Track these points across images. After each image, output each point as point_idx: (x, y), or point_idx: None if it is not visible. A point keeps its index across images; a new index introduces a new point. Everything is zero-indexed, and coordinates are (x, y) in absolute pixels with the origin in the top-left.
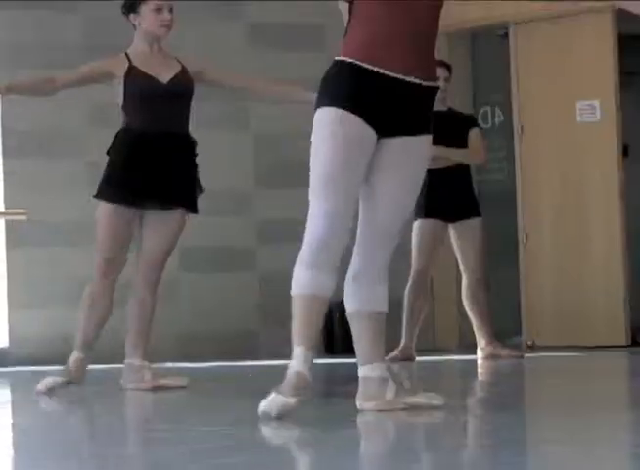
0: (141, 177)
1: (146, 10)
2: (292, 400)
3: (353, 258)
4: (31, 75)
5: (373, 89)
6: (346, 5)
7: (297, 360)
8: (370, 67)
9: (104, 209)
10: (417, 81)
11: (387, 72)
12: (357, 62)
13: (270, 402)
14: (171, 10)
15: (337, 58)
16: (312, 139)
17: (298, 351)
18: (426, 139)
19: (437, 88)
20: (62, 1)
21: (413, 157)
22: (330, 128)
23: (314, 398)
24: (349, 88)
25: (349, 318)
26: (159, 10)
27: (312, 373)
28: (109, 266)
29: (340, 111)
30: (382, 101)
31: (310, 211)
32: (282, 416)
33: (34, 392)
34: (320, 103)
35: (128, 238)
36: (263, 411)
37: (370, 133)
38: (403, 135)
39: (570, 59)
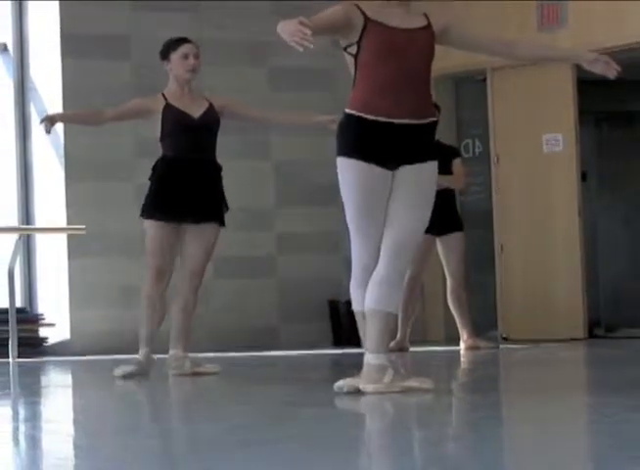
0: (178, 198)
1: (175, 57)
2: (379, 385)
3: (378, 265)
4: (84, 108)
5: (376, 135)
6: (352, 59)
7: (378, 359)
8: (371, 117)
9: (150, 226)
10: (413, 122)
11: (386, 119)
12: (361, 115)
13: (350, 382)
14: (197, 56)
15: (346, 110)
16: (340, 181)
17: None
18: (432, 164)
19: (434, 122)
20: (117, 51)
21: (423, 179)
22: (349, 176)
23: (328, 381)
24: (357, 139)
25: (366, 314)
26: (185, 56)
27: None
28: (160, 274)
29: (358, 163)
30: (385, 143)
31: (353, 243)
32: (348, 393)
33: (112, 376)
34: (339, 152)
35: (173, 249)
36: (343, 388)
37: (382, 171)
38: (413, 163)
39: (537, 99)
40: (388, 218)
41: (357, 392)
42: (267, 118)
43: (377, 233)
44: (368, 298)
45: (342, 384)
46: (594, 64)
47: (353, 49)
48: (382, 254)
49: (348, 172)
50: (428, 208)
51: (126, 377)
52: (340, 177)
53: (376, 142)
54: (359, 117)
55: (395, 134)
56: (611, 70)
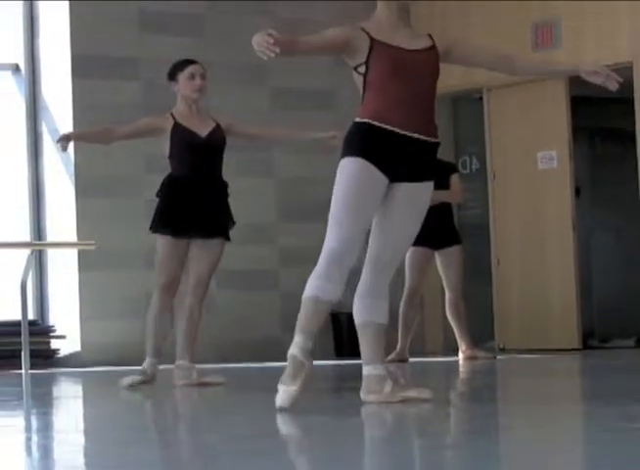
0: (188, 214)
1: (182, 77)
2: (293, 388)
3: (363, 277)
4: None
5: (383, 143)
6: (361, 78)
7: (295, 346)
8: (381, 125)
9: (160, 240)
10: (418, 136)
11: (394, 129)
12: (371, 122)
13: (280, 397)
14: (203, 76)
15: (356, 120)
16: (337, 179)
17: (298, 338)
18: (428, 185)
19: (438, 143)
20: (125, 71)
21: (417, 199)
22: (350, 172)
23: (329, 391)
24: (365, 142)
25: (358, 327)
26: (192, 77)
27: (310, 361)
28: (169, 288)
29: (358, 159)
30: (390, 152)
31: (328, 235)
32: (292, 405)
33: (118, 386)
34: (343, 154)
35: (182, 263)
36: (279, 406)
37: (381, 177)
38: (409, 181)
39: (532, 117)
40: (376, 231)
41: (298, 399)
42: (270, 136)
43: (355, 227)
44: (357, 311)
45: (278, 399)
46: (594, 75)
47: (362, 69)
48: (367, 265)
49: (348, 168)
50: (418, 225)
51: (132, 387)
52: (337, 176)
53: (382, 148)
54: (369, 124)
55: (402, 146)
56: (612, 82)
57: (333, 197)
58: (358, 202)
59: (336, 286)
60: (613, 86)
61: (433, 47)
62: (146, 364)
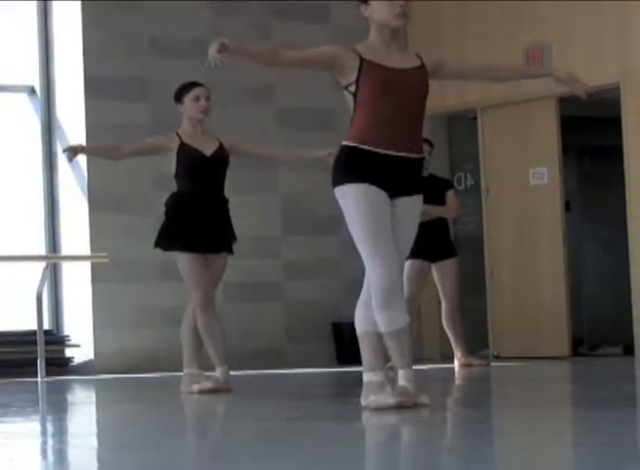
0: (200, 229)
1: (187, 99)
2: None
3: (365, 288)
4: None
5: (372, 164)
6: (351, 96)
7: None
8: (366, 148)
9: (186, 258)
10: (404, 155)
11: (379, 151)
12: (358, 145)
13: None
14: (208, 98)
15: (344, 143)
16: (344, 210)
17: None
18: (418, 199)
19: (423, 159)
20: (135, 93)
21: (411, 213)
22: (354, 200)
23: (331, 396)
24: (359, 166)
25: (359, 336)
26: (197, 98)
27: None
28: (207, 299)
29: (360, 185)
30: (381, 171)
31: (370, 269)
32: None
33: (180, 392)
34: (338, 182)
35: (207, 275)
36: (377, 406)
37: (383, 194)
38: (402, 196)
39: (523, 136)
40: None
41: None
42: (271, 155)
43: (392, 250)
44: (358, 321)
45: (370, 401)
46: (566, 82)
47: (352, 88)
48: (365, 279)
49: (355, 196)
50: (412, 239)
51: (203, 393)
52: (345, 204)
53: (372, 170)
54: (355, 148)
55: (390, 165)
56: (581, 90)
57: (350, 226)
58: (377, 226)
59: (399, 310)
60: (582, 93)
61: (422, 66)
62: (218, 372)
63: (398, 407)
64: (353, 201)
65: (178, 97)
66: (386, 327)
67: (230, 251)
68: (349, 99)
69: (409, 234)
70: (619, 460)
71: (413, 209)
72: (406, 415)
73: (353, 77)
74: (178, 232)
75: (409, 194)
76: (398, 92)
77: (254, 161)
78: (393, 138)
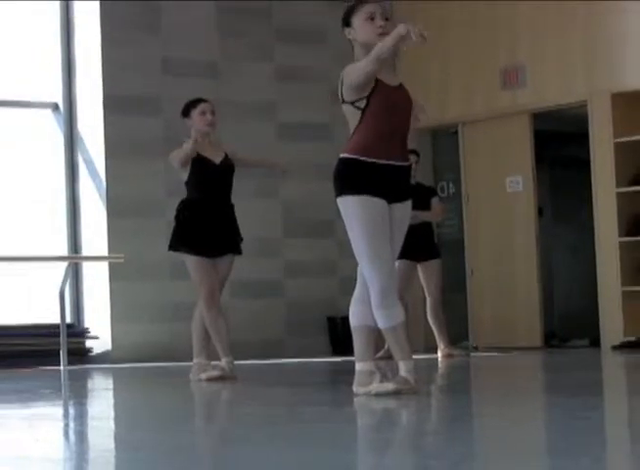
0: (210, 233)
1: (195, 114)
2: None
3: (358, 285)
4: (122, 156)
5: (373, 174)
6: (356, 111)
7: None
8: (370, 159)
9: (193, 261)
10: (399, 164)
11: (377, 161)
12: (358, 157)
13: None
14: (213, 112)
15: (344, 155)
16: (346, 218)
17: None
18: (408, 204)
19: (410, 166)
20: (150, 109)
21: (403, 217)
22: (356, 211)
23: (326, 384)
24: (360, 178)
25: (352, 329)
26: (203, 113)
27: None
28: (212, 294)
29: (358, 197)
30: (380, 181)
31: (370, 275)
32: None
33: (191, 379)
34: (340, 193)
35: (215, 276)
36: (377, 392)
37: (384, 203)
38: (396, 202)
39: (501, 148)
40: None
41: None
42: (250, 162)
43: (390, 256)
44: (352, 315)
45: (369, 388)
46: (420, 108)
47: (362, 103)
48: (360, 276)
49: (357, 207)
50: (402, 240)
51: (211, 380)
52: (347, 213)
53: (373, 180)
54: (356, 160)
55: (387, 174)
56: (422, 113)
57: (351, 233)
58: (378, 234)
59: (396, 308)
60: (422, 117)
61: (402, 84)
62: (223, 362)
63: (397, 393)
64: (355, 211)
65: (186, 112)
66: (384, 324)
67: (238, 252)
68: (353, 113)
69: (401, 236)
70: (591, 441)
71: (404, 213)
72: (394, 401)
73: (366, 94)
74: (188, 236)
75: (401, 200)
76: (397, 108)
77: (261, 170)
78: (391, 149)
